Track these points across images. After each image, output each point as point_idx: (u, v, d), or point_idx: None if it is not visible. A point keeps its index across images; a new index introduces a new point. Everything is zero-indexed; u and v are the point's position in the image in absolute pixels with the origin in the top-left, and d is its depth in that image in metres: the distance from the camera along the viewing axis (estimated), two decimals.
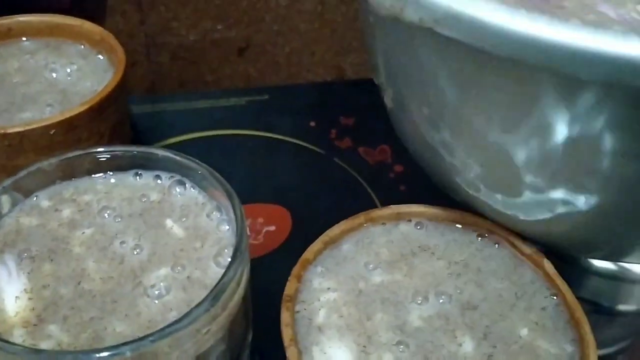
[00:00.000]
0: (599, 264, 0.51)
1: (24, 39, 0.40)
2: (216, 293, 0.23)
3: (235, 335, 0.26)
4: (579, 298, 0.52)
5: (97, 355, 0.21)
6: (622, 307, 0.53)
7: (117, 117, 0.37)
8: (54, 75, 0.38)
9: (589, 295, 0.52)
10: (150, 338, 0.21)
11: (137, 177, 0.30)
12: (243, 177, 0.44)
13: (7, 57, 0.39)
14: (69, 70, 0.38)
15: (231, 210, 0.27)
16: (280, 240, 0.45)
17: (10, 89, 0.37)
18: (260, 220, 0.46)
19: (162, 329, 0.22)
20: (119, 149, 0.29)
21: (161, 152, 0.29)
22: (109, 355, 0.21)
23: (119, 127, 0.38)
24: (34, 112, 0.35)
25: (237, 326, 0.26)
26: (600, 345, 0.62)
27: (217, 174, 0.28)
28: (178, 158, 0.29)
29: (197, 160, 0.29)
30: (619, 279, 0.51)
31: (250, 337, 0.29)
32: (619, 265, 0.50)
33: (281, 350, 0.24)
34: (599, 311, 0.53)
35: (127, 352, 0.21)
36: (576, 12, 0.22)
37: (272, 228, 0.46)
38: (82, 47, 0.40)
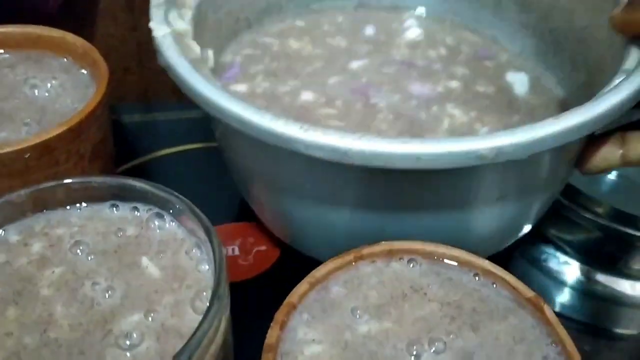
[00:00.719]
0: (600, 289, 0.50)
1: (2, 51, 0.39)
2: (192, 347, 0.21)
3: None
4: (580, 322, 0.50)
5: None
6: (622, 331, 0.53)
7: (99, 136, 0.35)
8: (35, 91, 0.36)
9: (590, 319, 0.51)
10: None
11: (114, 209, 0.28)
12: (236, 193, 0.43)
13: None
14: (49, 85, 0.37)
15: (210, 248, 0.25)
16: (272, 261, 0.43)
17: None
18: (251, 239, 0.44)
19: None
20: (94, 179, 0.28)
21: (138, 184, 0.27)
22: None
23: (101, 147, 0.36)
24: (9, 132, 0.34)
25: None
26: None
27: (196, 209, 0.26)
28: (156, 191, 0.27)
29: (176, 193, 0.27)
30: (619, 303, 0.50)
31: None
32: (620, 290, 0.50)
33: None
34: (600, 335, 0.52)
35: None
36: None
37: (263, 248, 0.44)
38: (65, 60, 0.39)
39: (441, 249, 0.28)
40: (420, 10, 0.53)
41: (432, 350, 0.25)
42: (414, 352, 0.25)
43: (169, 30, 0.34)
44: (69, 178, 0.27)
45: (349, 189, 0.33)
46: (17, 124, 0.34)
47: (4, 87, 0.36)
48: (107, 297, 0.25)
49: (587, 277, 0.50)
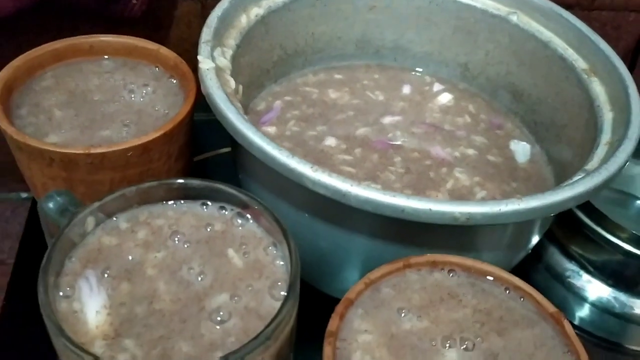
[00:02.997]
0: (619, 307, 0.53)
1: (105, 57, 0.44)
2: (272, 328, 0.27)
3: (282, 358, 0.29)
4: (598, 337, 0.54)
5: None
6: (636, 348, 0.56)
7: (185, 139, 0.41)
8: (132, 96, 0.42)
9: (609, 335, 0.55)
10: None
11: (204, 207, 0.33)
12: None
13: (87, 73, 0.43)
14: (144, 91, 0.42)
15: (286, 249, 0.30)
16: None
17: (91, 106, 0.41)
18: None
19: (225, 356, 0.25)
20: (190, 182, 0.33)
21: (226, 188, 0.33)
22: None
23: (185, 148, 0.41)
24: (113, 131, 0.39)
25: (283, 352, 0.29)
26: None
27: (274, 213, 0.31)
28: (240, 194, 0.32)
29: (258, 198, 0.32)
30: (636, 322, 0.53)
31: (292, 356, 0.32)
32: (637, 310, 0.53)
33: None
34: (616, 350, 0.56)
35: None
36: None
37: None
38: (157, 69, 0.44)
39: (478, 264, 0.33)
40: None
41: (462, 348, 0.30)
42: (447, 347, 0.30)
43: (213, 65, 0.40)
44: (162, 177, 0.33)
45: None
46: (118, 124, 0.40)
47: (106, 90, 0.42)
48: (200, 279, 0.30)
49: (607, 296, 0.54)
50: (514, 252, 0.43)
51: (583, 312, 0.55)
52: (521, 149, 0.51)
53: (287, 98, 0.53)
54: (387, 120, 0.52)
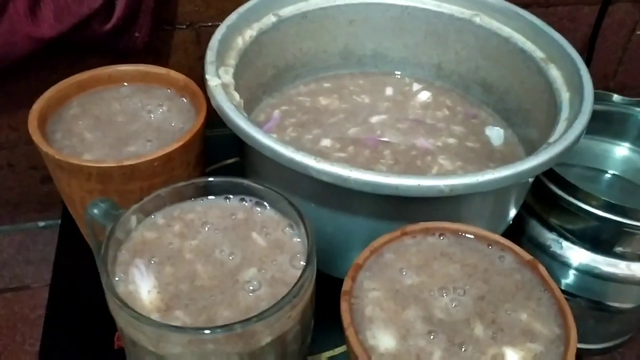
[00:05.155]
0: (600, 269, 0.59)
1: (122, 84, 0.50)
2: (297, 289, 0.32)
3: (306, 318, 0.35)
4: (584, 298, 0.59)
5: (219, 330, 0.30)
6: (620, 305, 0.61)
7: (200, 148, 0.46)
8: (151, 115, 0.48)
9: (593, 296, 0.60)
10: (254, 319, 0.30)
11: (227, 200, 0.39)
12: None
13: (109, 99, 0.49)
14: (160, 110, 0.48)
15: (301, 225, 0.36)
16: None
17: (116, 127, 0.46)
18: None
19: (260, 314, 0.31)
20: (214, 179, 0.39)
21: (245, 182, 0.38)
22: (224, 330, 0.30)
23: (201, 157, 0.47)
24: (138, 147, 0.45)
25: (308, 311, 0.35)
26: (602, 339, 0.71)
27: (288, 198, 0.37)
28: (258, 186, 0.38)
29: (274, 188, 0.38)
30: (617, 281, 0.58)
31: (312, 323, 0.38)
32: (617, 270, 0.58)
33: (334, 332, 0.33)
34: (601, 309, 0.61)
35: (237, 328, 0.30)
36: None
37: None
38: (169, 91, 0.50)
39: (464, 227, 0.39)
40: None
41: (455, 295, 0.35)
42: (444, 295, 0.35)
43: (220, 82, 0.46)
44: (183, 180, 0.38)
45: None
46: (142, 140, 0.45)
47: (127, 113, 0.48)
48: (231, 259, 0.36)
49: (587, 260, 0.59)
50: (496, 221, 0.49)
51: (567, 277, 0.60)
52: (495, 134, 0.58)
53: (284, 108, 0.59)
54: (375, 119, 0.58)
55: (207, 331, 0.30)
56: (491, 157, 0.55)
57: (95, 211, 0.37)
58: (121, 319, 0.32)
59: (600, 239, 0.58)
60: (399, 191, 0.39)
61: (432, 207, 0.43)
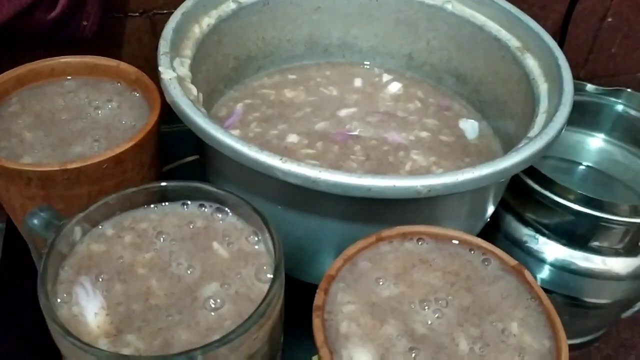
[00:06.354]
0: (576, 265, 0.57)
1: (67, 78, 0.45)
2: (264, 307, 0.29)
3: (275, 336, 0.32)
4: (560, 294, 0.57)
5: (177, 358, 0.26)
6: (596, 301, 0.60)
7: (155, 147, 0.42)
8: (99, 112, 0.43)
9: (569, 291, 0.59)
10: (215, 344, 0.27)
11: (184, 207, 0.35)
12: None
13: (52, 95, 0.44)
14: (109, 106, 0.44)
15: (267, 233, 0.32)
16: None
17: (60, 126, 0.42)
18: None
19: (224, 337, 0.27)
20: (170, 184, 0.35)
21: (204, 186, 0.35)
22: (183, 357, 0.27)
23: (156, 157, 0.43)
24: (84, 147, 0.41)
25: (277, 328, 0.32)
26: (578, 334, 0.69)
27: (252, 204, 0.34)
28: (219, 191, 0.34)
29: (235, 192, 0.34)
30: (593, 276, 0.57)
31: (282, 339, 0.34)
32: (593, 265, 0.57)
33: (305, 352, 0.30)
34: (577, 305, 0.60)
35: (198, 356, 0.27)
36: None
37: None
38: (119, 84, 0.46)
39: (443, 231, 0.36)
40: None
41: (437, 306, 0.32)
42: (425, 308, 0.32)
43: (175, 75, 0.42)
44: (137, 183, 0.35)
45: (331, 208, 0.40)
46: (88, 140, 0.41)
47: (71, 109, 0.43)
48: (189, 273, 0.32)
49: (563, 255, 0.57)
50: (474, 221, 0.46)
51: (543, 272, 0.58)
52: (470, 127, 0.55)
53: (247, 101, 0.55)
54: (343, 113, 0.55)
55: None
56: (466, 151, 0.52)
57: (35, 221, 0.33)
58: (64, 347, 0.28)
59: (576, 234, 0.56)
60: (372, 193, 0.36)
61: (407, 208, 0.40)
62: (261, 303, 0.29)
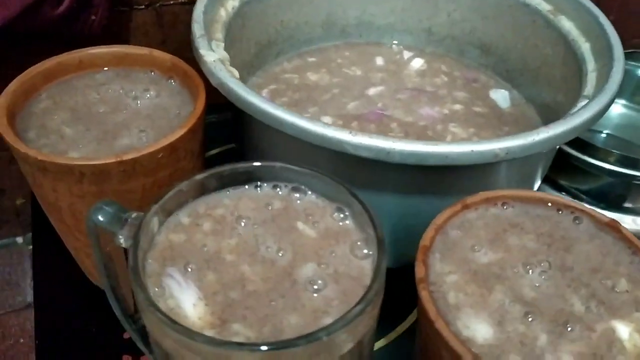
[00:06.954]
0: None
1: (95, 70, 0.43)
2: (377, 284, 0.27)
3: (378, 314, 0.30)
4: None
5: (302, 341, 0.24)
6: None
7: (203, 135, 0.40)
8: (137, 102, 0.41)
9: None
10: (339, 323, 0.25)
11: (258, 189, 0.33)
12: None
13: (83, 88, 0.41)
14: (147, 96, 0.41)
15: (355, 208, 0.31)
16: None
17: (99, 118, 0.39)
18: None
19: (344, 316, 0.25)
20: (240, 166, 0.33)
21: (278, 164, 0.33)
22: (307, 340, 0.25)
23: (204, 144, 0.41)
24: (131, 139, 0.38)
25: (378, 313, 0.30)
26: None
27: (332, 177, 0.32)
28: (296, 168, 0.32)
29: (314, 168, 0.32)
30: None
31: None
32: (626, 223, 0.56)
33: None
34: None
35: (323, 337, 0.25)
36: None
37: None
38: (152, 73, 0.43)
39: (527, 193, 0.35)
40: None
41: (541, 269, 0.31)
42: (529, 272, 0.31)
43: (217, 57, 0.40)
44: (186, 174, 0.32)
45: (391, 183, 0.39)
46: (134, 131, 0.39)
47: (108, 101, 0.41)
48: (280, 255, 0.30)
49: None
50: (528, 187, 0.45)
51: None
52: (501, 96, 0.54)
53: (272, 87, 0.53)
54: (372, 91, 0.54)
55: (286, 345, 0.25)
56: (502, 120, 0.52)
57: (100, 217, 0.31)
58: (168, 342, 0.26)
59: (610, 195, 0.56)
60: (449, 160, 0.34)
61: (466, 176, 0.38)
62: (373, 280, 0.27)
